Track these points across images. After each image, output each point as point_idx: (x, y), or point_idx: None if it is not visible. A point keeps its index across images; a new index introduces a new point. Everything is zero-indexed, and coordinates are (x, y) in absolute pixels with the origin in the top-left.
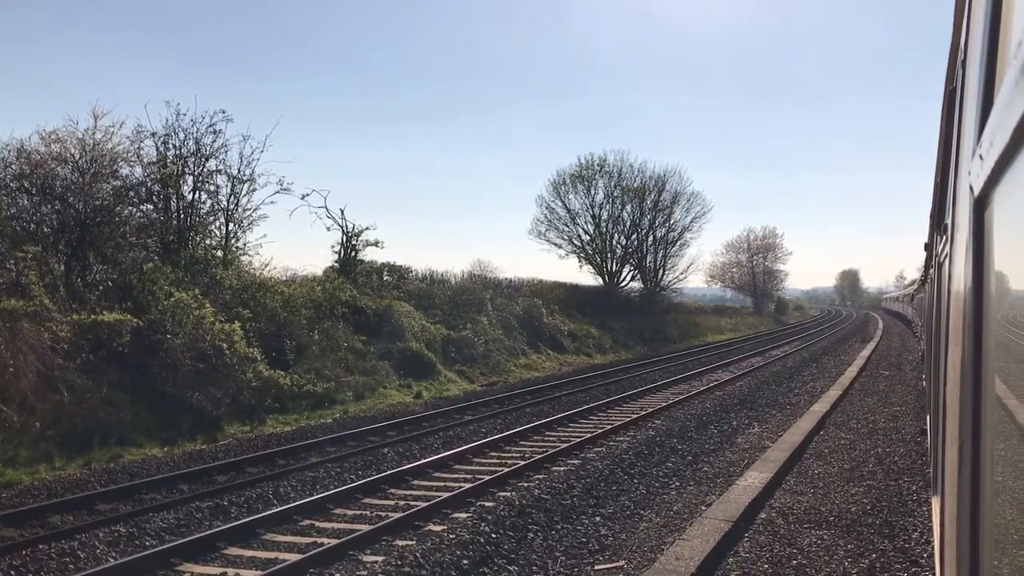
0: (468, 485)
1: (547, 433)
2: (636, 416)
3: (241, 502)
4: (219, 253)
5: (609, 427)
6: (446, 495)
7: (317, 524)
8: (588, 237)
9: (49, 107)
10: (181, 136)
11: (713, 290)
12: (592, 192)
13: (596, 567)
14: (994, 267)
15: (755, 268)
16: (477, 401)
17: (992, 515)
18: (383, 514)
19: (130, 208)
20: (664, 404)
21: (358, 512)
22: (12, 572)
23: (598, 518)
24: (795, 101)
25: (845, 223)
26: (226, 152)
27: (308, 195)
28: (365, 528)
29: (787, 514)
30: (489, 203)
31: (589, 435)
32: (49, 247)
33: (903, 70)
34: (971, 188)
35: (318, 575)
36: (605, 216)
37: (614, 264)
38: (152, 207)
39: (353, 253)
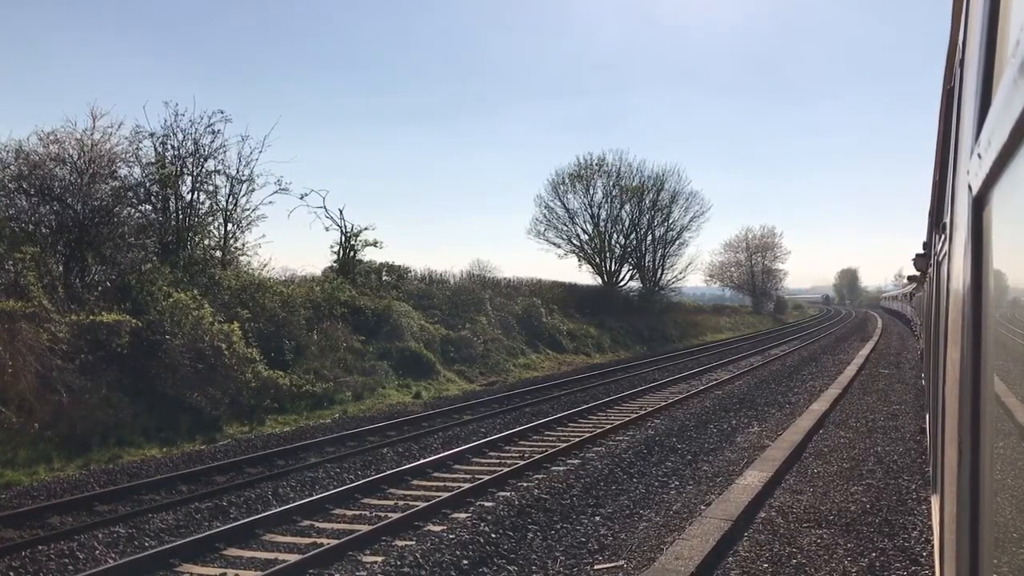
0: (467, 485)
1: (546, 433)
2: (635, 416)
3: (240, 503)
4: (218, 253)
5: (608, 427)
6: (446, 495)
7: (316, 524)
8: (587, 236)
9: (47, 107)
10: (180, 136)
11: (712, 289)
12: (591, 192)
13: (596, 567)
14: (992, 266)
15: (754, 267)
16: (476, 401)
17: (991, 513)
18: (382, 514)
19: (129, 209)
20: (663, 403)
21: (357, 512)
22: (11, 573)
23: (598, 518)
24: (794, 100)
25: (844, 222)
26: (224, 152)
27: (307, 195)
28: (365, 528)
29: (787, 513)
30: (488, 202)
31: (588, 435)
32: (48, 248)
33: (902, 69)
34: (969, 187)
35: (317, 575)
36: (604, 215)
37: (613, 263)
38: (151, 207)
39: (352, 253)
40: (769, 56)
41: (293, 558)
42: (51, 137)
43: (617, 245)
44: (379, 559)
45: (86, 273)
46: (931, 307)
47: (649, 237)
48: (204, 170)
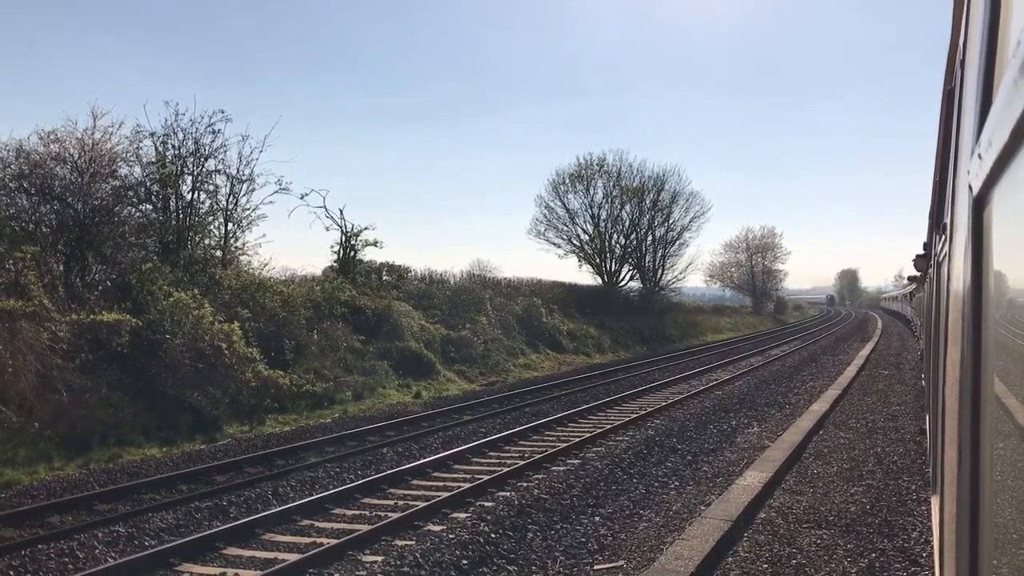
0: (467, 485)
1: (546, 433)
2: (635, 416)
3: (240, 502)
4: (218, 253)
5: (608, 427)
6: (445, 495)
7: (316, 524)
8: (587, 237)
9: (48, 107)
10: (180, 136)
11: (712, 290)
12: (591, 192)
13: (595, 567)
14: (993, 266)
15: (754, 268)
16: (476, 401)
17: (991, 514)
18: (382, 514)
19: (129, 208)
20: (663, 404)
21: (357, 512)
22: (11, 572)
23: (597, 518)
24: (795, 101)
25: (844, 222)
26: (225, 152)
27: (307, 195)
28: (364, 528)
29: (786, 514)
30: (488, 202)
31: (588, 435)
32: (48, 247)
33: (903, 70)
34: (970, 187)
35: (317, 575)
36: (604, 216)
37: (613, 264)
38: (151, 207)
39: (352, 253)
40: (769, 56)
41: (293, 557)
42: (52, 136)
43: (617, 245)
44: (379, 559)
45: (86, 272)
46: (931, 308)
47: (649, 237)
48: (204, 170)
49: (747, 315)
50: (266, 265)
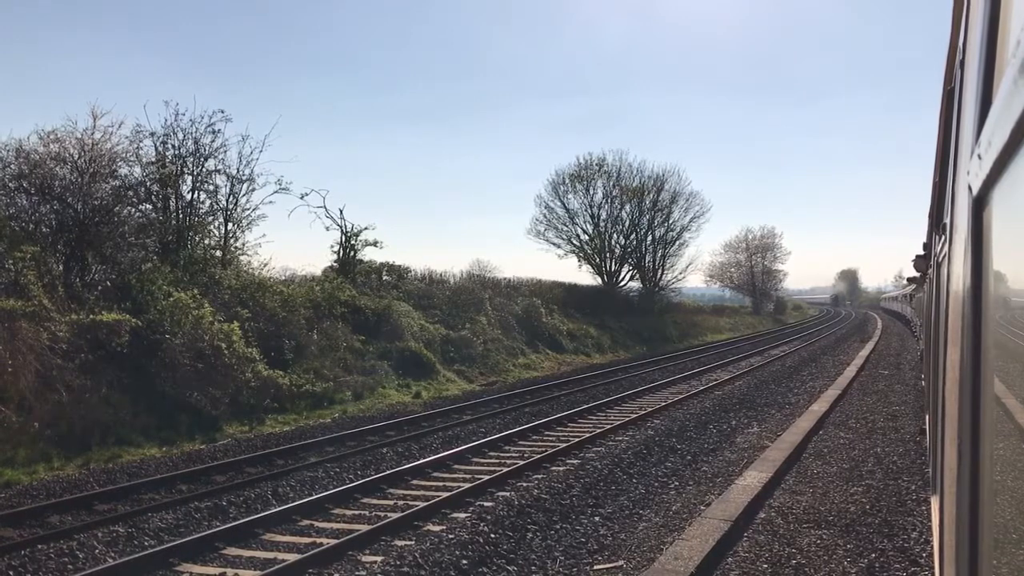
0: (467, 485)
1: (546, 433)
2: (635, 416)
3: (240, 502)
4: (218, 253)
5: (608, 427)
6: (445, 495)
7: (316, 524)
8: (587, 237)
9: (48, 106)
10: (180, 136)
11: (712, 290)
12: (591, 192)
13: (595, 567)
14: (993, 267)
15: (754, 268)
16: (476, 401)
17: (991, 514)
18: (382, 514)
19: (129, 208)
20: (663, 404)
21: (357, 512)
22: (11, 572)
23: (597, 518)
24: (795, 101)
25: (844, 223)
26: (225, 152)
27: (307, 195)
28: (364, 528)
29: (786, 514)
30: (489, 203)
31: (588, 435)
32: (48, 247)
33: (903, 70)
34: (969, 188)
35: (317, 575)
36: (604, 216)
37: (613, 264)
38: (151, 207)
39: (352, 253)
40: (770, 55)
41: (292, 557)
42: (51, 136)
43: (617, 245)
44: (378, 559)
45: (86, 272)
46: (931, 308)
47: (649, 237)
48: (204, 169)
49: (746, 315)
50: (266, 265)
